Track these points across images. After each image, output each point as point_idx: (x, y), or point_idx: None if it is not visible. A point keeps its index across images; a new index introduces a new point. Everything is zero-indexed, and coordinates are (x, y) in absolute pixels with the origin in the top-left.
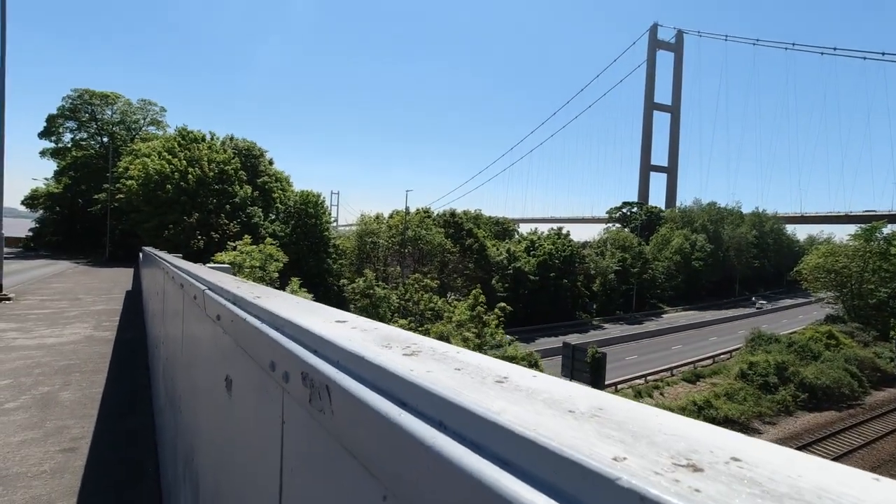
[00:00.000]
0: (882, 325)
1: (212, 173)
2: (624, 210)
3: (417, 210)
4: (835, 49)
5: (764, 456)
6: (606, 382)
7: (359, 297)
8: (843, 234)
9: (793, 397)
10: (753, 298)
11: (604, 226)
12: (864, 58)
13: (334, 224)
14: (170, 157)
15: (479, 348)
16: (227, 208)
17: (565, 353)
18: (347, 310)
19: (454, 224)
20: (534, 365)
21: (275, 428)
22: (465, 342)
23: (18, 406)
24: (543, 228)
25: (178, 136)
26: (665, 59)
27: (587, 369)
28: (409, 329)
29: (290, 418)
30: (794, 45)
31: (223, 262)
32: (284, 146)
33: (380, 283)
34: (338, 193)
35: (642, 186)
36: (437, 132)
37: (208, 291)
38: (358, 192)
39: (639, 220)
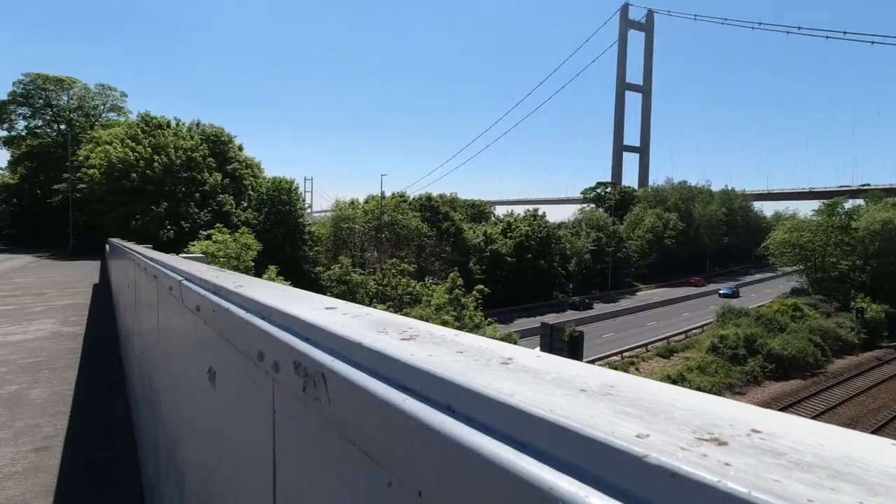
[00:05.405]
0: (843, 296)
1: (179, 160)
2: (598, 190)
3: (393, 194)
4: (799, 28)
5: (782, 427)
6: (584, 360)
7: (335, 284)
8: (807, 209)
9: (761, 368)
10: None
11: (578, 206)
12: (827, 37)
13: (309, 210)
14: (133, 144)
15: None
16: (197, 196)
17: (543, 332)
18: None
19: (430, 208)
20: None
21: (265, 419)
22: (445, 325)
23: None
24: (519, 210)
25: (142, 123)
26: (637, 38)
27: (565, 348)
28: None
29: (282, 409)
30: (760, 24)
31: (195, 253)
32: (254, 131)
33: (356, 269)
34: (311, 179)
35: (616, 166)
36: (410, 115)
37: (185, 282)
38: (332, 178)
39: (612, 199)
